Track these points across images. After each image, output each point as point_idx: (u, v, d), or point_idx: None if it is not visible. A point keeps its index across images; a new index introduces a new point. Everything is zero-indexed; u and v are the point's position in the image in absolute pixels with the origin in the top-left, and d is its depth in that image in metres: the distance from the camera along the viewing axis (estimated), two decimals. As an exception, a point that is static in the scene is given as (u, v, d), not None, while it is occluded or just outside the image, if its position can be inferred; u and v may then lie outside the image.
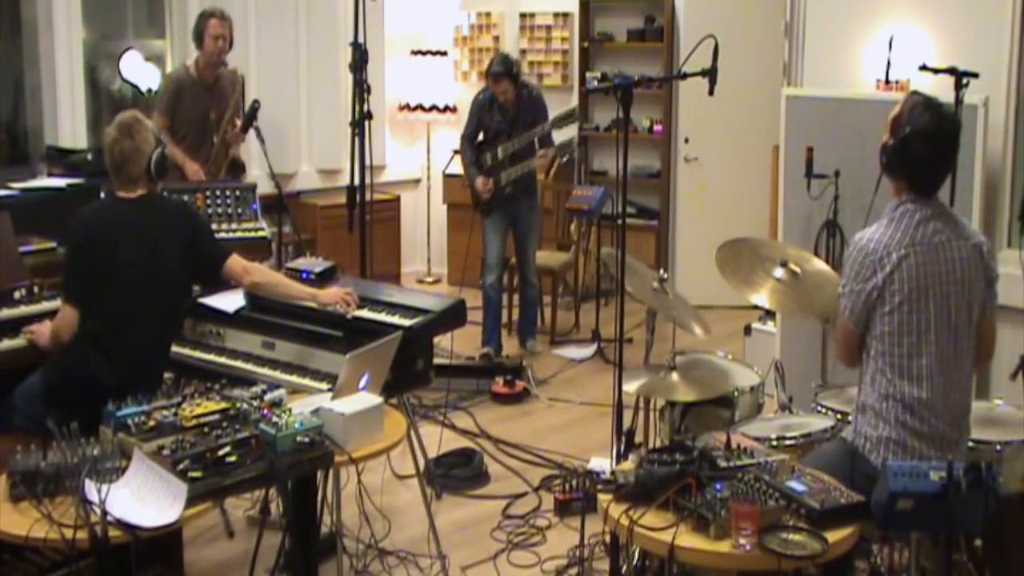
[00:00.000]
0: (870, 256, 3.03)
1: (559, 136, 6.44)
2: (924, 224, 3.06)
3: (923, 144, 3.02)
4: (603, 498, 2.87)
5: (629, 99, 3.66)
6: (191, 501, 2.71)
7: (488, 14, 8.55)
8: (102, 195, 4.53)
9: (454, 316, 4.19)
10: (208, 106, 6.03)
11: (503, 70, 6.21)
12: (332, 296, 3.99)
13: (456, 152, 8.26)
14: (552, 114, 6.33)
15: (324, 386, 3.65)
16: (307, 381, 3.79)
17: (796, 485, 2.80)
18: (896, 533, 3.23)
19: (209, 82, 6.05)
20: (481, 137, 6.50)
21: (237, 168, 6.21)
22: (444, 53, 8.47)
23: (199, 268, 3.85)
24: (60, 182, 5.37)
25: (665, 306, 3.92)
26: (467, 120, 6.57)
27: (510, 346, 6.72)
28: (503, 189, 6.40)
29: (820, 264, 3.93)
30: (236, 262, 3.87)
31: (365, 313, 4.03)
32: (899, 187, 3.11)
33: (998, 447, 3.35)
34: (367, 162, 5.21)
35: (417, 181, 8.72)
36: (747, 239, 4.08)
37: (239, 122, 6.03)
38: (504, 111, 6.35)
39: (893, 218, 3.07)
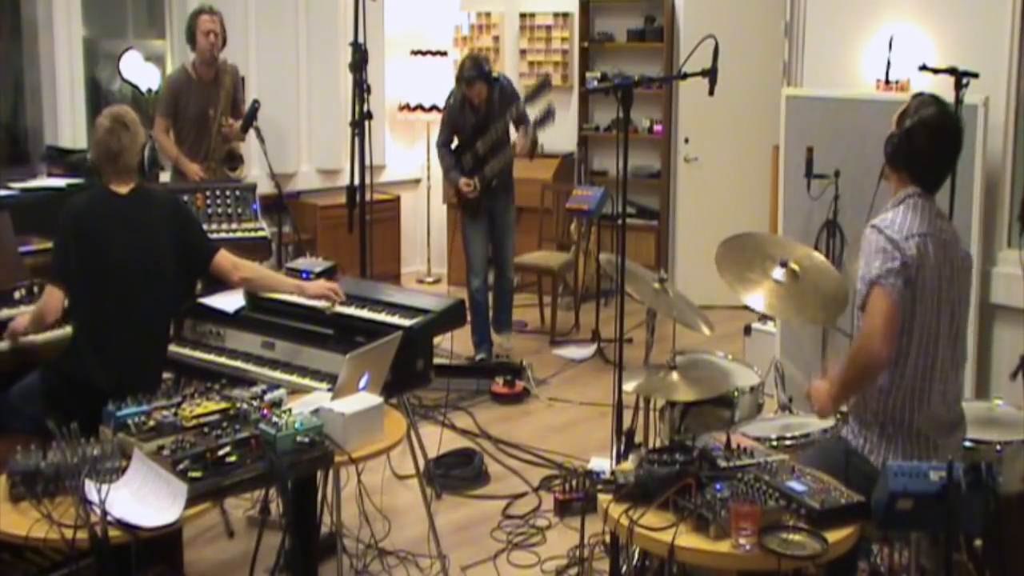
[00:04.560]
0: (894, 236, 2.99)
1: (534, 111, 6.36)
2: (933, 217, 3.07)
3: (926, 134, 3.04)
4: (603, 498, 2.87)
5: (629, 99, 3.66)
6: (191, 501, 2.71)
7: (488, 14, 8.55)
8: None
9: (454, 316, 4.19)
10: (208, 103, 6.05)
11: (477, 74, 6.14)
12: (318, 289, 4.01)
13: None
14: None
15: (324, 386, 3.65)
16: (307, 381, 3.79)
17: (796, 485, 2.80)
18: (896, 533, 3.23)
19: (208, 80, 6.07)
20: (456, 141, 6.42)
21: (234, 159, 6.20)
22: (444, 53, 8.47)
23: (188, 261, 3.85)
24: (60, 182, 5.37)
25: (667, 306, 3.92)
26: (441, 127, 6.51)
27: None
28: (490, 183, 6.34)
29: (822, 260, 3.90)
30: (225, 258, 3.88)
31: (365, 313, 4.04)
32: (901, 179, 3.11)
33: (998, 447, 3.35)
34: (367, 162, 5.21)
35: (417, 181, 8.72)
36: (752, 233, 4.04)
37: (234, 122, 6.04)
38: (476, 111, 6.28)
39: (908, 206, 3.06)
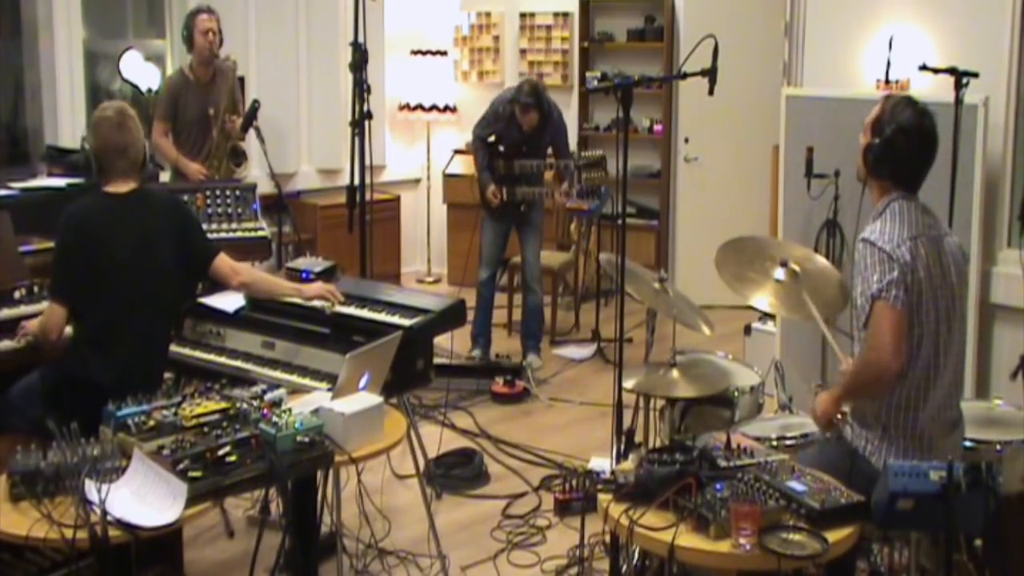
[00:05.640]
0: (885, 247, 2.99)
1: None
2: (919, 216, 3.07)
3: (908, 140, 3.04)
4: (603, 498, 2.87)
5: (629, 99, 3.66)
6: (191, 501, 2.72)
7: (488, 14, 8.55)
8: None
9: (454, 316, 4.19)
10: (207, 103, 6.03)
11: (533, 102, 6.09)
12: (315, 290, 4.03)
13: (457, 152, 8.28)
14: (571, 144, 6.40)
15: (324, 386, 3.65)
16: (307, 381, 3.79)
17: (796, 485, 2.80)
18: (896, 533, 3.23)
19: (206, 80, 6.06)
20: (493, 139, 6.35)
21: (238, 155, 6.18)
22: (444, 53, 8.47)
23: (189, 263, 3.84)
24: (60, 182, 5.37)
25: (667, 306, 3.92)
26: (483, 121, 6.36)
27: (508, 346, 6.72)
28: (518, 205, 6.32)
29: (823, 261, 3.90)
30: (224, 262, 3.88)
31: (365, 313, 4.04)
32: (883, 186, 3.11)
33: (998, 447, 3.35)
34: (367, 162, 5.21)
35: (417, 181, 8.72)
36: (752, 237, 4.04)
37: (237, 118, 6.03)
38: (523, 133, 6.23)
39: (893, 211, 3.06)
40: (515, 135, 6.25)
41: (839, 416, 3.16)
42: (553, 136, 6.29)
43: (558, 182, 6.41)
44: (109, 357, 3.60)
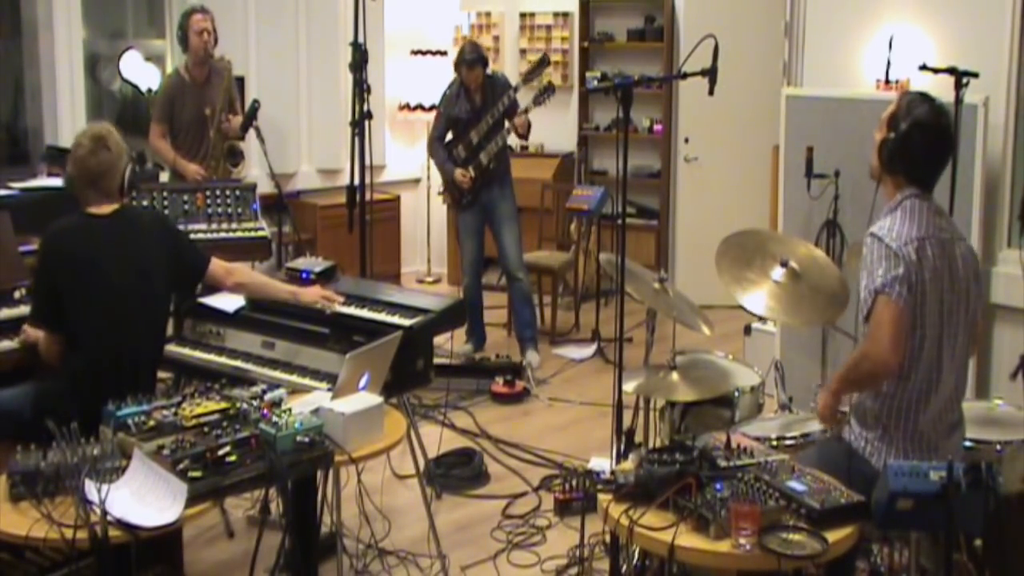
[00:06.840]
0: (893, 244, 2.98)
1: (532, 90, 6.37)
2: (932, 217, 3.07)
3: (923, 135, 3.04)
4: (603, 498, 2.87)
5: (629, 99, 3.66)
6: (191, 501, 2.72)
7: (488, 14, 8.56)
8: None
9: (454, 316, 4.19)
10: (203, 104, 6.02)
11: (477, 57, 6.18)
12: (312, 294, 4.01)
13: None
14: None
15: (324, 386, 3.65)
16: (307, 381, 3.79)
17: (796, 485, 2.80)
18: (896, 533, 3.23)
19: (201, 80, 6.04)
20: (451, 136, 6.43)
21: (235, 155, 6.18)
22: (444, 53, 8.47)
23: (182, 278, 3.81)
24: (60, 182, 5.37)
25: (667, 306, 3.92)
26: (435, 122, 6.49)
27: (508, 346, 6.72)
28: (487, 168, 6.31)
29: (823, 257, 3.89)
30: (218, 265, 3.86)
31: (365, 313, 4.04)
32: (897, 183, 3.11)
33: (998, 447, 3.35)
34: (367, 162, 5.21)
35: (417, 181, 8.72)
36: (755, 231, 4.03)
37: (234, 118, 6.03)
38: (472, 100, 6.28)
39: (905, 209, 3.05)
40: (466, 108, 6.30)
41: (841, 414, 3.16)
42: (502, 93, 6.27)
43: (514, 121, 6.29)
44: (104, 388, 3.49)
